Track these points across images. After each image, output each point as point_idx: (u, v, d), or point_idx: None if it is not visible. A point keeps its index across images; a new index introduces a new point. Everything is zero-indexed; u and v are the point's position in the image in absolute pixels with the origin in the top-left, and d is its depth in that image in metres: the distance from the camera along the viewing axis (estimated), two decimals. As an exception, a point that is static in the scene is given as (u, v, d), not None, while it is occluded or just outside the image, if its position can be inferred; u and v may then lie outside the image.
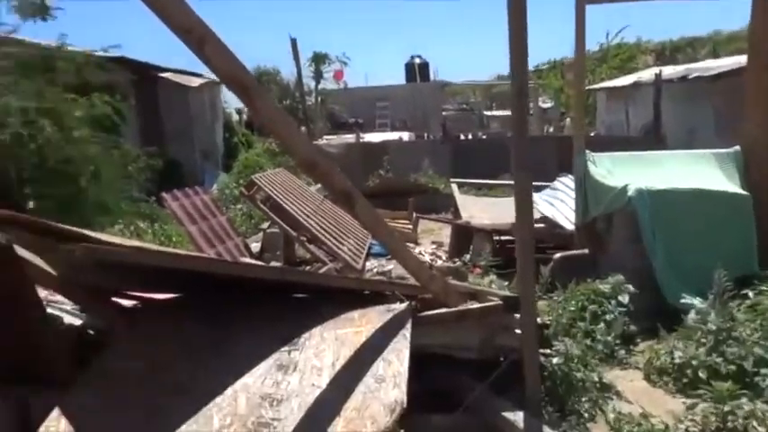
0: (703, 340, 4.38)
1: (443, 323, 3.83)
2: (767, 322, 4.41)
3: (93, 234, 2.92)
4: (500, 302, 3.84)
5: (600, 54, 24.59)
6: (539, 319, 4.03)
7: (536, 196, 9.17)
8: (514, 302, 3.80)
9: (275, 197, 7.58)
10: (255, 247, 7.92)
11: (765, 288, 4.86)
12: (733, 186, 5.86)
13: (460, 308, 3.85)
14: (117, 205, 7.04)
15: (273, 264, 7.04)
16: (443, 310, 3.83)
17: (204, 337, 3.15)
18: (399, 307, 3.64)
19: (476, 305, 3.91)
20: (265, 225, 8.36)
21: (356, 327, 3.42)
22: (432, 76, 29.20)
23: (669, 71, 17.30)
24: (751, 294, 4.81)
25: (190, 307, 3.43)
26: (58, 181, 6.39)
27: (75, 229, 2.94)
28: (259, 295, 3.50)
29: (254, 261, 6.53)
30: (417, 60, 28.88)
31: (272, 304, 3.56)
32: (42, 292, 3.34)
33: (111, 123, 7.96)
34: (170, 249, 4.92)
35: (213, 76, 18.00)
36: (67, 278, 2.81)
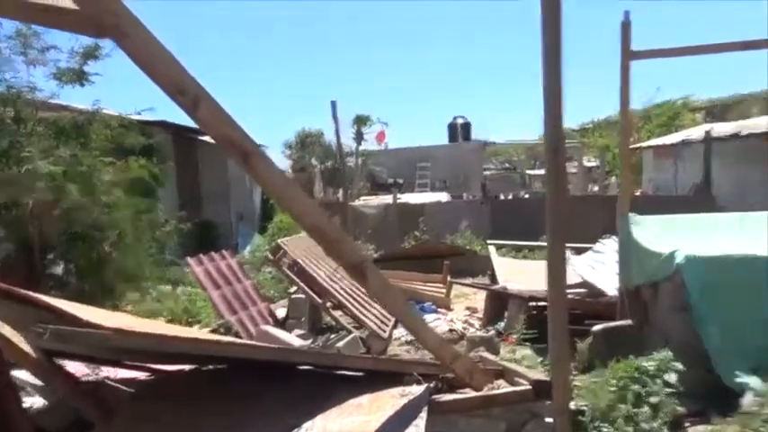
0: (762, 429, 3.87)
1: (466, 409, 3.47)
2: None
3: (75, 311, 2.72)
4: (529, 387, 3.47)
5: (644, 112, 24.20)
6: (573, 404, 3.62)
7: (577, 259, 8.77)
8: (546, 387, 3.42)
9: (300, 262, 7.37)
10: (281, 312, 7.69)
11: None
12: (790, 252, 5.37)
13: (485, 393, 3.49)
14: (141, 270, 6.94)
15: (296, 332, 6.78)
16: (466, 395, 3.48)
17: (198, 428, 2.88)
18: (416, 390, 3.31)
19: (503, 390, 3.54)
20: (294, 289, 8.14)
21: (365, 415, 3.09)
22: (473, 136, 29.19)
23: (720, 128, 16.76)
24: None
25: (188, 386, 3.19)
26: (82, 245, 6.34)
27: (59, 305, 2.74)
28: (268, 371, 3.24)
29: (264, 336, 6.26)
30: (460, 120, 28.98)
31: (280, 385, 3.29)
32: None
33: (147, 187, 7.97)
34: (164, 327, 4.69)
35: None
36: (43, 360, 2.59)
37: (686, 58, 6.85)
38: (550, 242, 3.31)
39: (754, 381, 4.54)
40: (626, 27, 5.93)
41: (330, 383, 3.40)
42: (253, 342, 5.44)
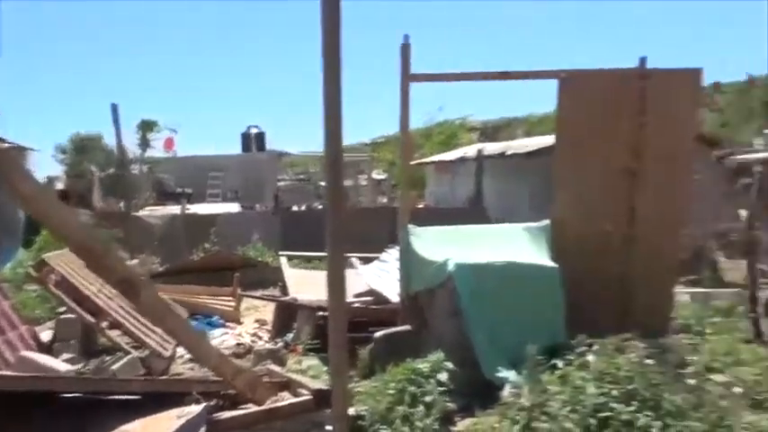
0: (518, 416, 4.33)
1: (247, 425, 3.41)
2: (576, 392, 4.47)
3: None
4: (310, 397, 3.51)
5: (426, 130, 26.04)
6: (353, 410, 3.74)
7: (365, 268, 9.12)
8: (326, 395, 3.49)
9: (69, 278, 6.72)
10: (47, 335, 6.92)
11: (573, 357, 4.98)
12: (543, 259, 6.10)
13: (267, 406, 3.46)
14: None
15: (64, 356, 6.15)
16: (247, 410, 3.42)
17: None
18: (194, 410, 3.18)
19: (284, 402, 3.55)
20: (63, 309, 7.38)
21: (135, 442, 2.90)
22: (268, 146, 29.04)
23: (490, 147, 18.59)
24: (560, 364, 4.89)
25: None
26: None
27: None
28: (28, 403, 2.88)
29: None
30: (254, 130, 28.66)
31: (42, 418, 2.95)
32: None
33: None
34: None
35: (15, 141, 16.22)
36: None
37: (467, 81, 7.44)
38: (330, 252, 3.41)
39: (512, 375, 5.05)
40: (405, 50, 6.30)
41: (102, 411, 3.14)
42: (8, 372, 4.81)
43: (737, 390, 4.71)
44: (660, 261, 6.16)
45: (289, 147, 32.03)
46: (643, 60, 5.90)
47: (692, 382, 4.74)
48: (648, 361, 4.55)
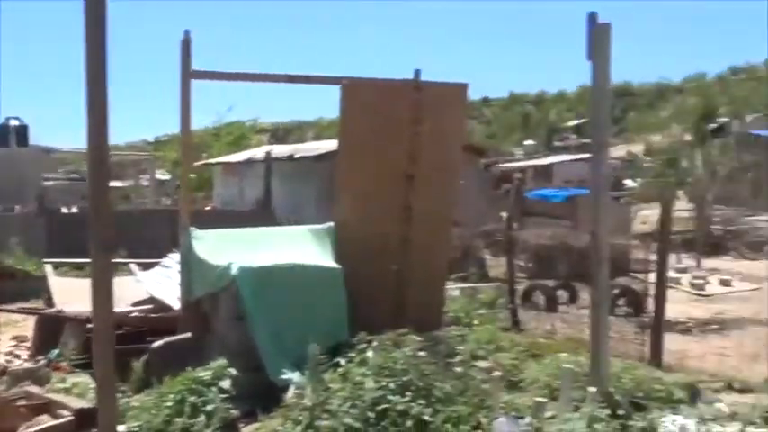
0: (301, 417, 4.37)
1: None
2: (356, 388, 4.63)
3: None
4: (71, 418, 3.19)
5: (215, 130, 25.29)
6: (123, 427, 3.47)
7: (145, 274, 8.57)
8: (90, 414, 3.19)
9: None
10: None
11: (354, 354, 5.15)
12: (326, 260, 6.24)
13: (18, 432, 3.08)
14: None
15: None
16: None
17: None
18: None
19: (40, 426, 3.18)
20: None
21: None
22: (32, 141, 25.94)
23: (279, 150, 18.58)
24: (342, 362, 5.04)
25: None
26: None
27: None
28: None
29: None
30: (14, 122, 25.40)
31: None
32: None
33: None
34: None
35: None
36: None
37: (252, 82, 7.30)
38: (94, 258, 3.13)
39: (296, 376, 5.09)
40: (186, 45, 6.04)
41: None
42: None
43: (497, 374, 5.23)
44: (433, 260, 6.63)
45: (59, 142, 29.00)
46: (417, 73, 6.31)
47: (459, 369, 5.19)
48: (422, 353, 4.87)
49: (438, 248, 6.73)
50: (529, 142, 49.42)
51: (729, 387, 5.68)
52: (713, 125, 40.01)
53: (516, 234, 11.90)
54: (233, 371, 4.96)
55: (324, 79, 6.55)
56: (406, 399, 4.30)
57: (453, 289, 9.23)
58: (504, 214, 12.10)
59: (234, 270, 5.62)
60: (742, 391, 5.58)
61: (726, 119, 42.68)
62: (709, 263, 14.23)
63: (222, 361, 5.03)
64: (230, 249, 6.16)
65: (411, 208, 6.40)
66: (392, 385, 4.42)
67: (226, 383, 4.81)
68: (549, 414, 4.16)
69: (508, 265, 8.96)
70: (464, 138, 7.57)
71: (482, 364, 5.64)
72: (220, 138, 25.27)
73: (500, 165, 34.16)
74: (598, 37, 4.27)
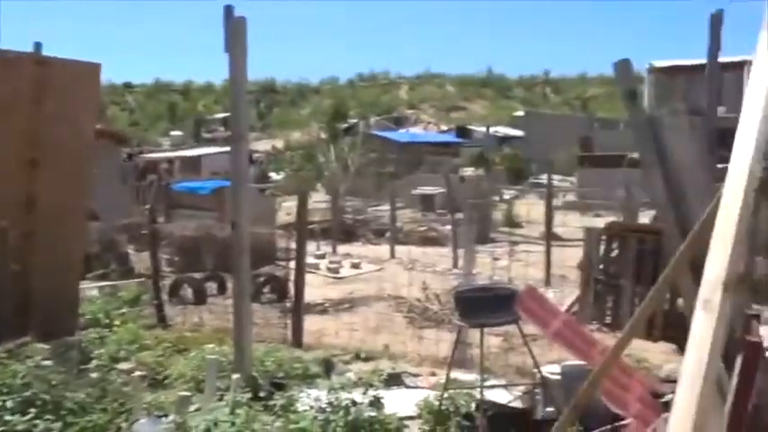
0: None
1: None
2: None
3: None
4: None
5: None
6: None
7: None
8: None
9: None
10: None
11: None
12: None
13: None
14: None
15: None
16: None
17: None
18: None
19: None
20: None
21: None
22: None
23: None
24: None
25: None
26: None
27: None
28: None
29: None
30: None
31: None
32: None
33: None
34: None
35: None
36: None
37: None
38: None
39: None
40: None
41: None
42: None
43: (139, 374, 4.95)
44: (63, 257, 5.96)
45: None
46: (38, 45, 5.56)
47: (95, 375, 4.77)
48: (48, 363, 4.34)
49: (69, 244, 6.07)
50: (176, 133, 48.29)
51: (357, 357, 6.39)
52: (345, 125, 44.67)
53: (161, 227, 11.47)
54: None
55: None
56: (29, 416, 3.78)
57: (91, 288, 8.46)
58: (148, 206, 11.55)
59: None
60: (367, 359, 6.33)
61: (355, 120, 48.08)
62: (343, 249, 15.74)
63: None
64: None
65: (35, 198, 5.63)
66: (10, 403, 3.85)
67: None
68: (194, 408, 4.10)
69: (152, 259, 8.56)
70: (95, 120, 6.91)
71: (123, 365, 5.29)
72: None
73: (145, 155, 32.56)
74: (235, 30, 4.33)
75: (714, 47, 6.50)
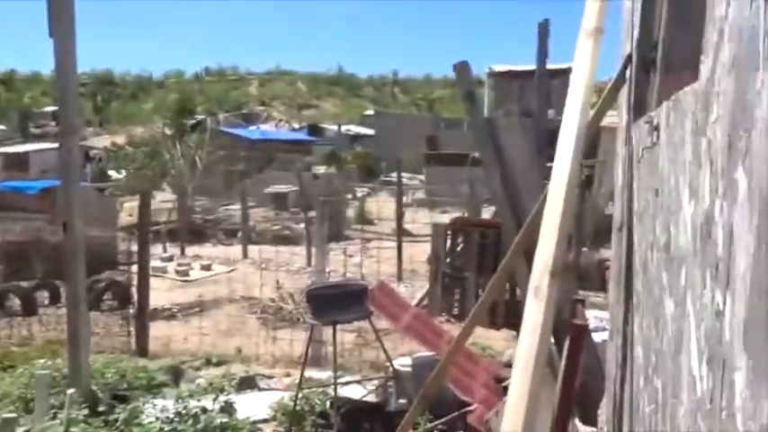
0: None
1: None
2: None
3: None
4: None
5: None
6: None
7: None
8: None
9: None
10: None
11: None
12: None
13: None
14: None
15: None
16: None
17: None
18: None
19: None
20: None
21: None
22: None
23: None
24: None
25: None
26: None
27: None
28: None
29: None
30: None
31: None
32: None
33: None
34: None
35: None
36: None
37: None
38: None
39: None
40: None
41: None
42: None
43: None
44: None
45: None
46: None
47: None
48: None
49: None
50: (-1, 127, 43.63)
51: (208, 362, 6.16)
52: (192, 121, 42.86)
53: None
54: None
55: None
56: None
57: None
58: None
59: None
60: (219, 364, 6.13)
61: (203, 116, 46.29)
62: (192, 250, 15.08)
63: None
64: None
65: None
66: None
67: None
68: (22, 430, 3.72)
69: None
70: None
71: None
72: None
73: None
74: (60, 12, 3.97)
75: (542, 53, 7.02)
